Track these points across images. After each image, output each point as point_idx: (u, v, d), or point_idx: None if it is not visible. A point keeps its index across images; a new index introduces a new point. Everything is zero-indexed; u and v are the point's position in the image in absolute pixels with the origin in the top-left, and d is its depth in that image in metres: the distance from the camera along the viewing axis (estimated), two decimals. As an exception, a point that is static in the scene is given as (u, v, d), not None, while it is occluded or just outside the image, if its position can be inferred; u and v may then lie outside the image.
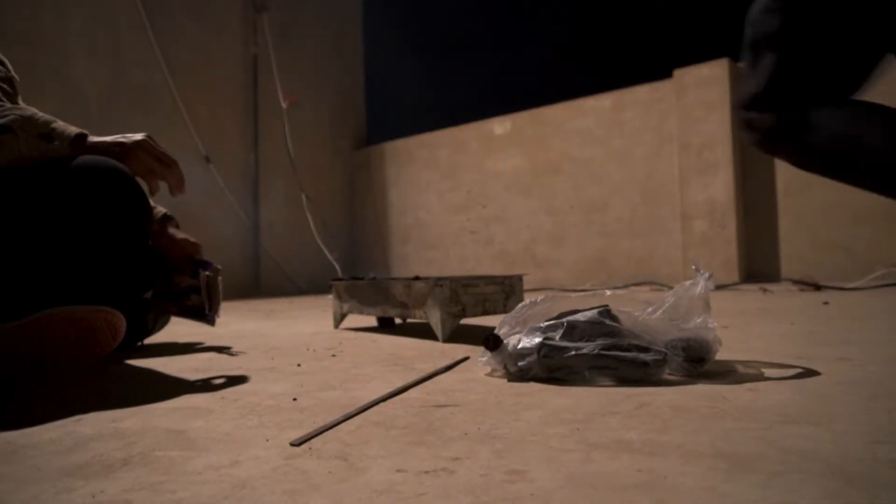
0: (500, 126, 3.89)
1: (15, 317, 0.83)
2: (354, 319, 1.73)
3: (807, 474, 0.40)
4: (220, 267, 1.26)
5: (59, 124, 0.91)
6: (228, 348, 1.21)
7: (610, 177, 3.50)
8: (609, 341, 0.74)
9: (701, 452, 0.46)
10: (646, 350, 0.73)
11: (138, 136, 0.98)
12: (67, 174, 0.88)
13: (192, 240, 1.27)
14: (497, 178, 3.87)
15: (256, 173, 3.96)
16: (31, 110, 0.91)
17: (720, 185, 3.13)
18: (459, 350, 1.05)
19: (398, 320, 1.59)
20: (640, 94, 3.43)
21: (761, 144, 0.82)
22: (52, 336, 0.80)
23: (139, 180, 0.96)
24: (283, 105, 4.05)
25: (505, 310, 1.26)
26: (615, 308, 0.80)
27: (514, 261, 3.78)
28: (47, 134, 0.89)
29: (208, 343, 1.31)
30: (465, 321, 1.52)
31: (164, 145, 1.02)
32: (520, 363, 0.76)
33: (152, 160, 0.97)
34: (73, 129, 0.92)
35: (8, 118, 0.86)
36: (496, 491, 0.40)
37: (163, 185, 1.02)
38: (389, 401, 0.68)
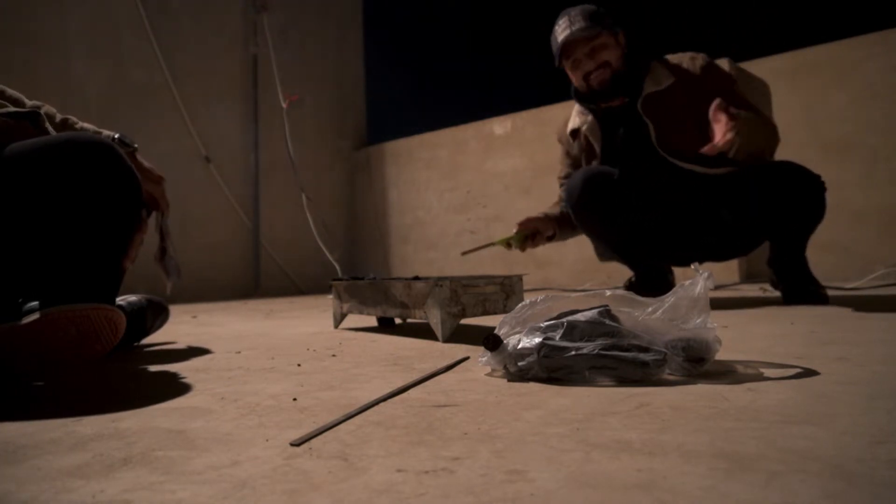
0: (500, 126, 3.88)
1: (14, 316, 0.83)
2: (354, 319, 1.73)
3: (807, 474, 0.40)
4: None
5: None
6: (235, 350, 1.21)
7: (610, 177, 3.49)
8: (609, 341, 0.74)
9: (701, 452, 0.46)
10: (646, 350, 0.73)
11: None
12: (49, 153, 0.86)
13: (157, 172, 1.13)
14: (497, 178, 3.87)
15: (256, 173, 3.96)
16: None
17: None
18: (459, 350, 1.05)
19: (398, 320, 1.59)
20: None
21: None
22: (52, 335, 0.80)
23: None
24: (283, 105, 4.05)
25: (505, 310, 1.26)
26: (615, 308, 0.80)
27: (514, 261, 3.78)
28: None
29: (208, 343, 1.31)
30: (465, 321, 1.52)
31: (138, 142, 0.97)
32: (520, 363, 0.76)
33: None
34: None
35: None
36: (496, 491, 0.40)
37: None
38: (389, 401, 0.68)
